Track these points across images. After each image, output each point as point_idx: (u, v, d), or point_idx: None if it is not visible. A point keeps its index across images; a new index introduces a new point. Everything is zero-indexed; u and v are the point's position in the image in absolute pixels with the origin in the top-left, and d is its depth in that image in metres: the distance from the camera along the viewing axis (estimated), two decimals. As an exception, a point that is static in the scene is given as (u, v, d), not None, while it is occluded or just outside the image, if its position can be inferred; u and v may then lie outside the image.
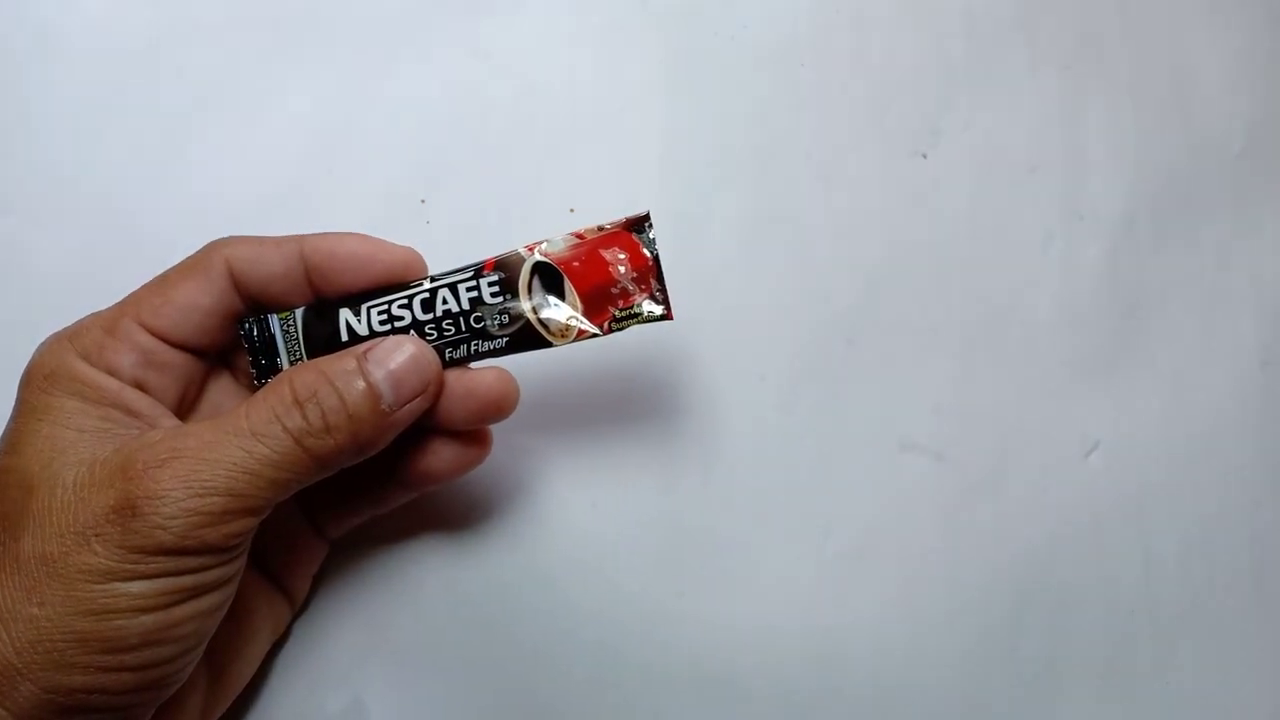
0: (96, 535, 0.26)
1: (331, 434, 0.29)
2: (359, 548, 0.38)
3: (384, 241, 0.32)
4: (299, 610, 0.37)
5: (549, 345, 0.31)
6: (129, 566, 0.26)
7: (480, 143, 0.43)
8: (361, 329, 0.32)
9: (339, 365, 0.30)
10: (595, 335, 0.31)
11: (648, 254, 0.31)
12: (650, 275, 0.31)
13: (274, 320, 0.33)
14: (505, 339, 0.31)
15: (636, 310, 0.31)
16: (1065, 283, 0.43)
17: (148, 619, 0.26)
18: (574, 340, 0.31)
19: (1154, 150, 0.45)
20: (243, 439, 0.28)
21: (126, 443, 0.28)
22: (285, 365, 0.32)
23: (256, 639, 0.34)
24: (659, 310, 0.31)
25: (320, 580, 0.37)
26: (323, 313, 0.32)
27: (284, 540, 0.34)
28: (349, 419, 0.29)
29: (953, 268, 0.42)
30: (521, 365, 0.35)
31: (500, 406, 0.32)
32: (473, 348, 0.31)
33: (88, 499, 0.27)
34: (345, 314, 0.32)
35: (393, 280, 0.32)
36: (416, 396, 0.30)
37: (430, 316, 0.31)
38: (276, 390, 0.29)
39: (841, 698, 0.38)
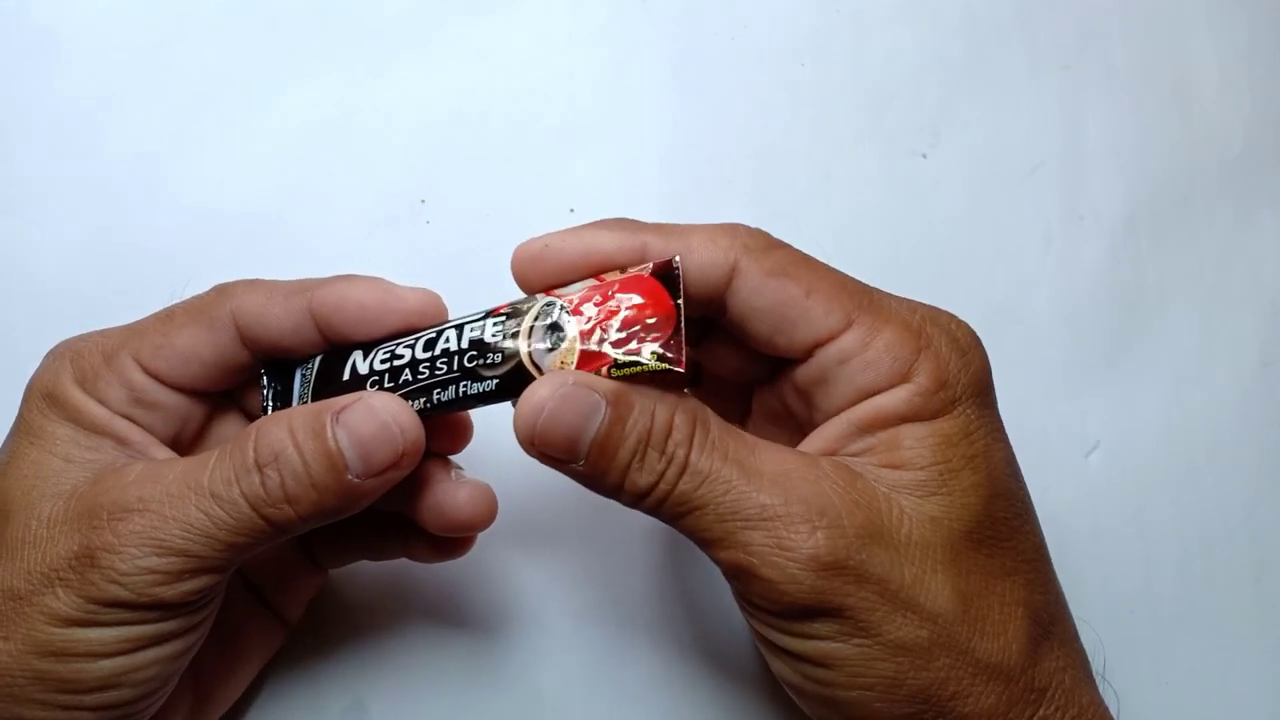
0: (60, 580, 0.26)
1: (292, 504, 0.27)
2: (359, 548, 0.38)
3: (397, 288, 0.30)
4: (295, 629, 0.36)
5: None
6: (88, 615, 0.26)
7: (480, 143, 0.43)
8: (364, 369, 0.30)
9: (310, 424, 0.27)
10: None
11: (671, 304, 0.27)
12: (669, 324, 0.26)
13: (297, 372, 0.31)
14: (495, 381, 0.28)
15: (642, 360, 0.26)
16: (1065, 283, 0.43)
17: (107, 664, 0.26)
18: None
19: (1154, 150, 0.45)
20: (201, 499, 0.26)
21: (103, 477, 0.27)
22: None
23: (245, 663, 0.34)
24: (666, 363, 0.26)
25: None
26: (338, 355, 0.31)
27: (278, 567, 0.33)
28: (311, 488, 0.27)
29: (953, 268, 0.42)
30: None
31: (472, 526, 0.30)
32: (461, 389, 0.28)
33: (56, 539, 0.26)
34: (356, 355, 0.30)
35: (410, 329, 0.30)
36: (388, 468, 0.27)
37: (428, 355, 0.29)
38: (240, 446, 0.27)
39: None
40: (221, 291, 0.31)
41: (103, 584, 0.26)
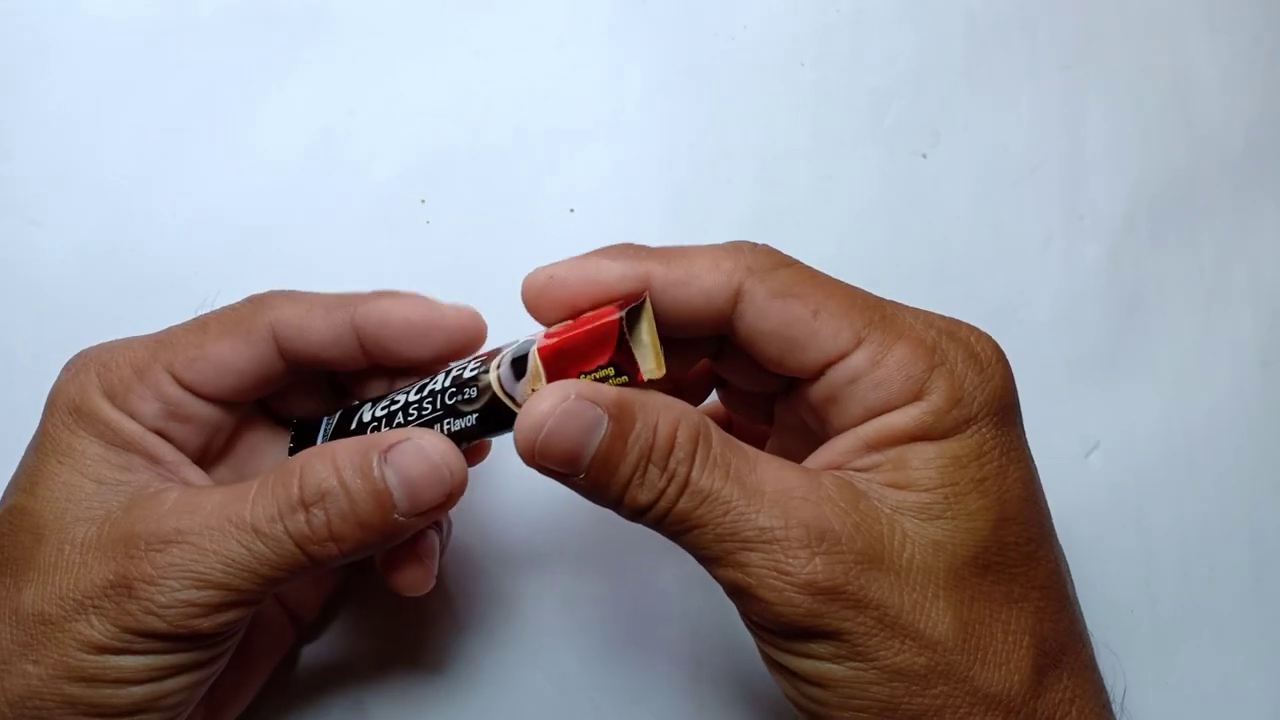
0: (95, 607, 0.26)
1: (336, 542, 0.27)
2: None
3: (440, 305, 0.30)
4: (309, 633, 0.37)
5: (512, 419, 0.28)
6: (122, 644, 0.26)
7: (480, 143, 0.43)
8: (368, 417, 0.30)
9: (356, 460, 0.27)
10: None
11: (617, 318, 0.26)
12: (613, 338, 0.26)
13: (322, 424, 0.32)
14: (474, 415, 0.28)
15: (602, 375, 0.27)
16: (1065, 283, 0.43)
17: (137, 690, 0.26)
18: None
19: (1154, 150, 0.45)
20: (244, 534, 0.26)
21: (138, 503, 0.27)
22: None
23: (259, 671, 0.34)
24: (623, 375, 0.27)
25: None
26: (354, 409, 0.31)
27: None
28: (357, 526, 0.27)
29: (953, 268, 0.42)
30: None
31: (404, 593, 0.31)
32: (444, 426, 0.29)
33: (90, 565, 0.26)
34: (365, 407, 0.31)
35: (454, 349, 0.30)
36: (435, 508, 0.27)
37: (418, 398, 0.29)
38: (284, 482, 0.27)
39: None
40: (258, 303, 0.30)
41: (140, 615, 0.26)
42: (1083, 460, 0.41)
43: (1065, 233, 0.43)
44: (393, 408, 0.30)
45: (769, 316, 0.27)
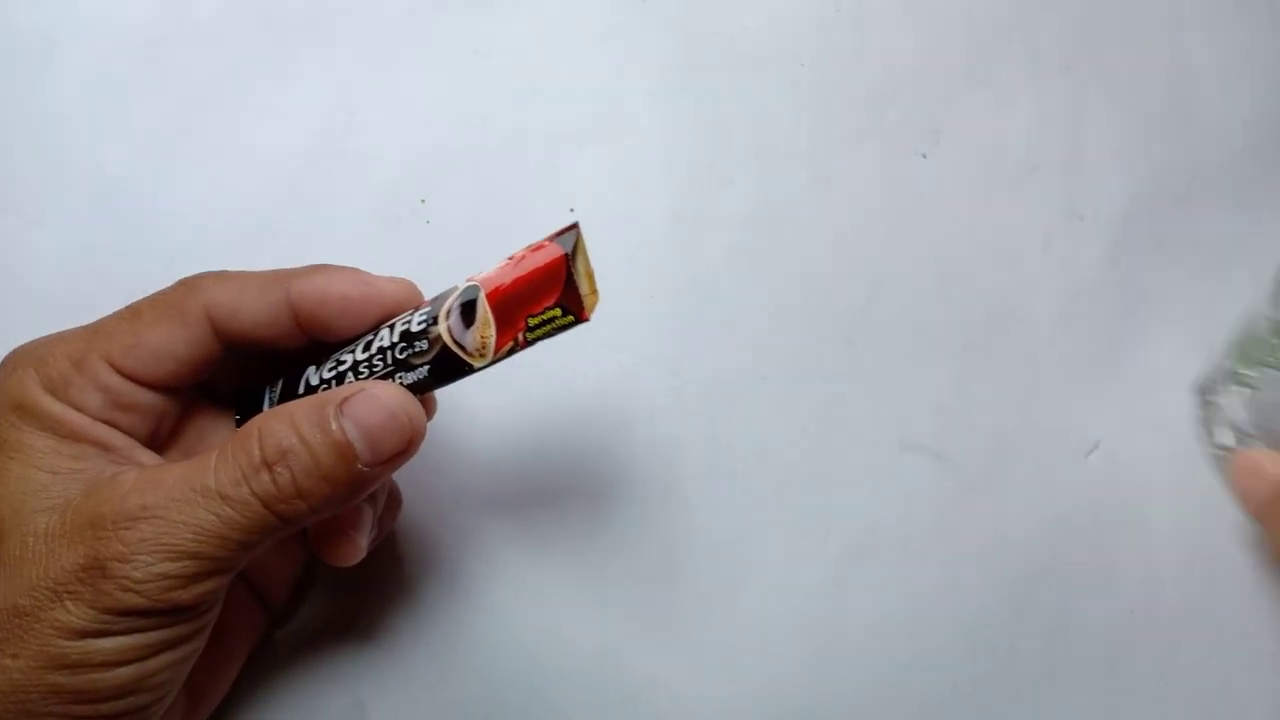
0: (69, 593, 0.26)
1: (304, 498, 0.27)
2: (359, 548, 0.38)
3: (376, 279, 0.31)
4: (281, 617, 0.37)
5: (470, 369, 0.29)
6: (102, 625, 0.26)
7: (480, 143, 0.43)
8: (315, 380, 0.30)
9: (313, 417, 0.28)
10: (514, 348, 0.28)
11: (561, 255, 0.27)
12: (560, 278, 0.27)
13: (265, 395, 0.32)
14: (426, 367, 0.29)
15: (548, 316, 0.28)
16: (1065, 283, 0.43)
17: (123, 671, 0.26)
18: (494, 359, 0.28)
19: (1154, 150, 0.45)
20: (210, 501, 0.26)
21: (97, 487, 0.27)
22: None
23: (234, 654, 0.34)
24: (570, 315, 0.27)
25: (320, 581, 0.37)
26: (295, 374, 0.31)
27: (265, 550, 0.33)
28: (323, 480, 0.27)
29: (953, 268, 0.42)
30: (522, 373, 0.35)
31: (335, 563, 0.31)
32: (397, 381, 0.29)
33: (58, 553, 0.26)
34: (310, 370, 0.31)
35: (392, 318, 0.30)
36: (397, 455, 0.28)
37: (366, 356, 0.30)
38: (244, 446, 0.27)
39: (841, 697, 0.38)
40: (190, 286, 0.31)
41: (117, 594, 0.26)
42: (1083, 460, 0.41)
43: (1065, 233, 0.43)
44: (340, 368, 0.30)
45: None
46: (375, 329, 0.30)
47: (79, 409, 0.29)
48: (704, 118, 0.44)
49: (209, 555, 0.26)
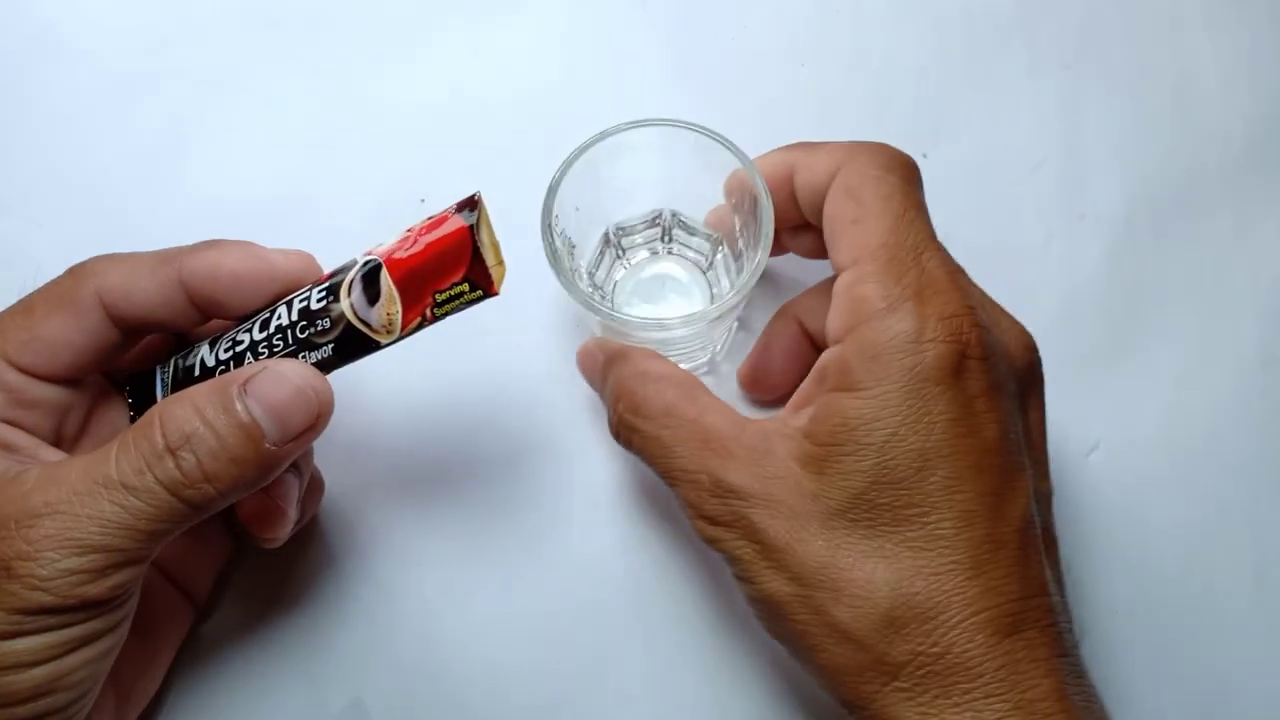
0: None
1: (212, 482, 0.26)
2: (358, 548, 0.38)
3: (270, 253, 0.30)
4: (207, 609, 0.36)
5: (377, 345, 0.29)
6: (12, 627, 0.25)
7: (480, 142, 0.43)
8: (211, 360, 0.30)
9: (216, 400, 0.27)
10: (422, 324, 0.28)
11: (465, 227, 0.27)
12: (466, 252, 0.27)
13: (156, 375, 0.31)
14: (330, 345, 0.28)
15: (456, 291, 0.27)
16: (1065, 283, 0.43)
17: (38, 671, 0.26)
18: (401, 335, 0.28)
19: (1154, 150, 0.45)
20: (114, 492, 0.26)
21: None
22: None
23: (161, 650, 0.33)
24: (479, 290, 0.27)
25: (320, 581, 0.37)
26: (187, 354, 0.31)
27: (185, 543, 0.33)
28: (230, 463, 0.27)
29: (953, 268, 0.42)
30: (514, 359, 0.35)
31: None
32: (301, 360, 0.29)
33: None
34: (203, 349, 0.30)
35: (288, 294, 0.30)
36: (305, 431, 0.28)
37: (264, 335, 0.29)
38: (145, 433, 0.26)
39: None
40: (80, 273, 0.30)
41: (24, 593, 0.25)
42: (1083, 460, 0.41)
43: (1065, 233, 0.43)
44: (238, 349, 0.29)
45: (828, 206, 0.31)
46: (272, 306, 0.30)
47: None
48: (704, 118, 0.44)
49: (117, 547, 0.26)
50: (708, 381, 0.40)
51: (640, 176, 0.35)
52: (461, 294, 0.27)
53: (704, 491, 0.30)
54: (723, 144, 0.33)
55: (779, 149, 0.34)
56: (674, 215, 0.38)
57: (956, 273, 0.30)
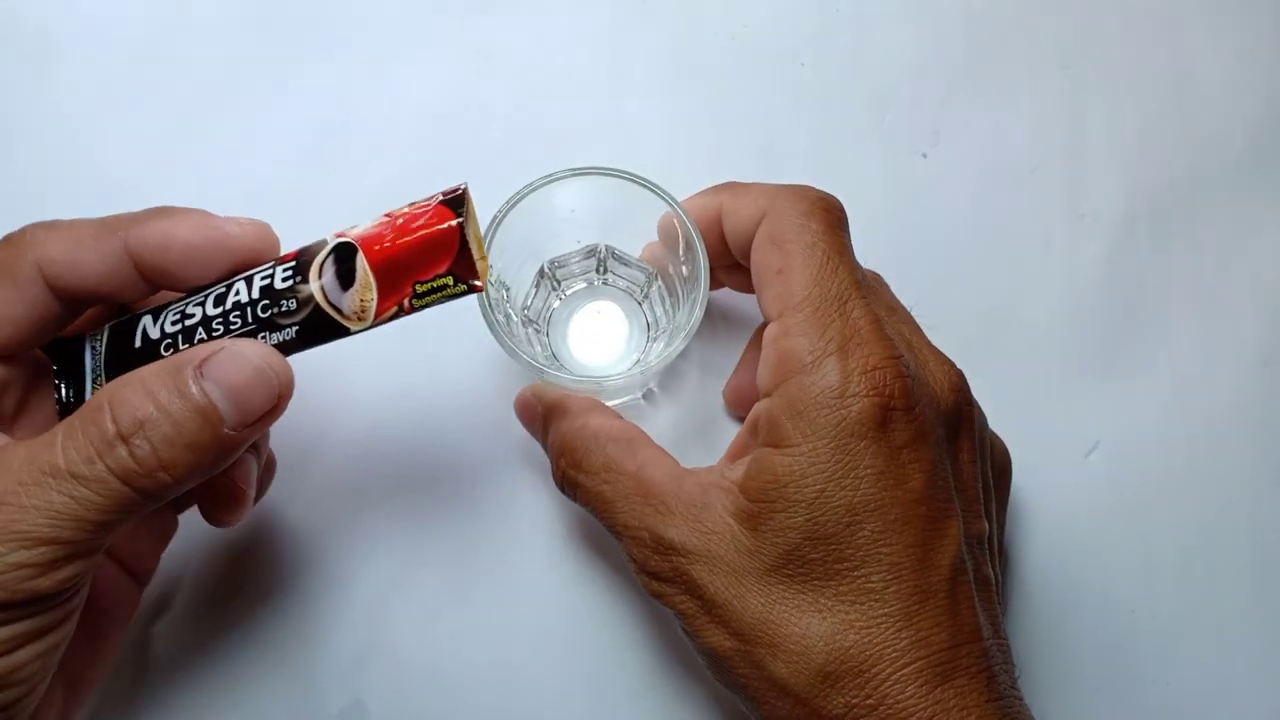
0: None
1: (167, 470, 0.25)
2: (358, 548, 0.38)
3: (225, 223, 0.29)
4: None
5: (346, 331, 0.27)
6: None
7: (480, 143, 0.43)
8: (155, 333, 0.28)
9: (170, 382, 0.25)
10: (398, 314, 0.27)
11: (454, 222, 0.27)
12: (453, 245, 0.27)
13: (86, 344, 0.29)
14: (295, 328, 0.27)
15: (438, 284, 0.27)
16: (1065, 283, 0.43)
17: None
18: (374, 323, 0.27)
19: (1154, 150, 0.45)
20: (62, 482, 0.24)
21: None
22: (89, 392, 0.28)
23: (111, 637, 0.32)
24: (462, 284, 0.27)
25: (320, 581, 0.37)
26: (126, 322, 0.29)
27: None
28: (186, 449, 0.25)
29: (952, 268, 0.42)
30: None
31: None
32: (261, 340, 0.28)
33: None
34: (145, 320, 0.28)
35: (245, 269, 0.28)
36: (265, 415, 0.26)
37: (219, 311, 0.27)
38: (94, 419, 0.25)
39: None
40: (16, 242, 0.28)
41: None
42: (1083, 460, 0.41)
43: (1065, 233, 0.43)
44: (187, 323, 0.28)
45: (754, 255, 0.32)
46: (229, 280, 0.28)
47: None
48: (704, 118, 0.44)
49: (67, 540, 0.24)
50: (642, 409, 0.40)
51: (573, 218, 0.35)
52: (445, 287, 0.27)
53: (645, 548, 0.30)
54: (654, 191, 0.33)
55: (708, 190, 0.34)
56: (609, 249, 0.38)
57: (880, 321, 0.30)
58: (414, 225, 0.27)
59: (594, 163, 0.33)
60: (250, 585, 0.37)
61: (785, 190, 0.32)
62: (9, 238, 0.28)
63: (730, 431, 0.39)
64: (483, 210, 0.31)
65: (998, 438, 0.35)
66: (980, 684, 0.28)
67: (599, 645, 0.37)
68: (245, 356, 0.26)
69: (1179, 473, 0.41)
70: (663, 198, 0.33)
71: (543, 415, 0.34)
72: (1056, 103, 0.45)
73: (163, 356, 0.28)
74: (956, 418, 0.31)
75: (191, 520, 0.37)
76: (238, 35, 0.44)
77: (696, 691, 0.37)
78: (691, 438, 0.39)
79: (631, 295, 0.39)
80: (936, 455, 0.29)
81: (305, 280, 0.27)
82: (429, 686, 0.37)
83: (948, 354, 0.32)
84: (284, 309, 0.27)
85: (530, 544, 0.38)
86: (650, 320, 0.39)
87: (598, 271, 0.39)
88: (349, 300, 0.27)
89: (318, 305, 0.27)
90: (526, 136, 0.43)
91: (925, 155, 0.44)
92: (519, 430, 0.36)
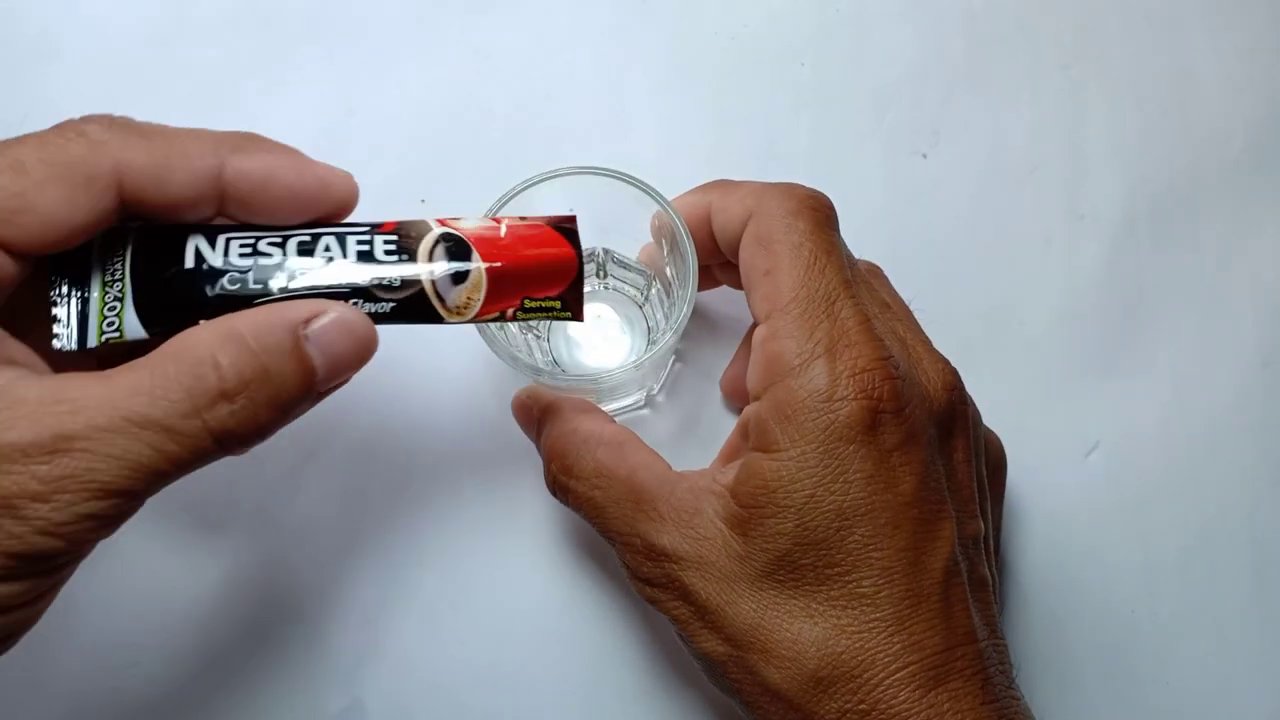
0: None
1: (260, 432, 0.24)
2: (358, 548, 0.38)
3: (321, 169, 0.27)
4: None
5: (442, 321, 0.27)
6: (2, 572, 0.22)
7: (480, 143, 0.43)
8: (217, 260, 0.26)
9: (279, 341, 0.24)
10: (499, 319, 0.28)
11: (573, 255, 0.28)
12: (570, 274, 0.28)
13: (93, 250, 0.26)
14: (392, 304, 0.27)
15: (550, 305, 0.28)
16: (1065, 283, 0.43)
17: (15, 615, 0.23)
18: (469, 320, 0.28)
19: (1154, 150, 0.45)
20: (153, 434, 0.22)
21: None
22: (95, 311, 0.25)
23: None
24: (568, 311, 0.29)
25: (320, 581, 0.37)
26: (163, 236, 0.26)
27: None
28: (280, 410, 0.24)
29: (952, 268, 0.42)
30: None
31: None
32: (353, 305, 0.27)
33: None
34: (197, 239, 0.26)
35: (328, 219, 0.27)
36: (340, 384, 0.26)
37: (307, 263, 0.26)
38: (195, 371, 0.23)
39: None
40: (92, 141, 0.24)
41: (31, 537, 0.22)
42: (1083, 460, 0.41)
43: (1065, 233, 0.43)
44: (262, 262, 0.26)
45: (742, 256, 0.31)
46: (311, 229, 0.27)
47: None
48: (704, 118, 0.44)
49: (140, 492, 0.23)
50: (645, 417, 0.40)
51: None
52: (553, 309, 0.28)
53: (638, 554, 0.30)
54: (642, 189, 0.33)
55: (698, 188, 0.34)
56: (607, 253, 0.38)
57: (870, 320, 0.29)
58: (527, 240, 0.28)
59: (593, 163, 0.33)
60: (250, 585, 0.37)
61: (772, 189, 0.32)
62: (81, 131, 0.24)
63: (730, 431, 0.39)
64: (480, 211, 0.32)
65: (992, 433, 0.35)
66: (975, 686, 0.27)
67: (598, 646, 0.37)
68: (352, 327, 0.25)
69: (1179, 473, 0.41)
70: (649, 194, 0.33)
71: (537, 418, 0.34)
72: (1056, 103, 0.45)
73: (225, 289, 0.26)
74: (950, 417, 0.31)
75: (192, 521, 0.37)
76: (238, 35, 0.44)
77: (694, 694, 0.37)
78: (694, 442, 0.39)
79: (633, 299, 0.39)
80: (928, 457, 0.29)
81: (413, 260, 0.27)
82: (429, 686, 0.37)
83: (947, 353, 0.32)
84: (385, 283, 0.27)
85: (530, 544, 0.38)
86: (652, 324, 0.39)
87: (598, 275, 0.39)
88: (456, 294, 0.27)
89: (423, 290, 0.27)
90: (526, 136, 0.43)
91: (925, 155, 0.44)
92: (519, 430, 0.36)
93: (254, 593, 0.37)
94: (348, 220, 0.28)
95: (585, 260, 0.33)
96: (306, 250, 0.26)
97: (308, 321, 0.25)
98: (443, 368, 0.39)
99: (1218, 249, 0.44)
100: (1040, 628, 0.39)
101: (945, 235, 0.43)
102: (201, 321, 0.24)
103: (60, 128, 0.25)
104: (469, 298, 0.27)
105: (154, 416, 0.22)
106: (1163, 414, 0.41)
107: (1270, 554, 0.40)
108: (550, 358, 0.38)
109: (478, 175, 0.42)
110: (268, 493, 0.38)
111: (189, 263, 0.26)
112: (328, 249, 0.27)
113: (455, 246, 0.28)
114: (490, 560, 0.38)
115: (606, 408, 0.38)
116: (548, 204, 0.34)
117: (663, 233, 0.34)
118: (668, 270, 0.36)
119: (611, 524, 0.31)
